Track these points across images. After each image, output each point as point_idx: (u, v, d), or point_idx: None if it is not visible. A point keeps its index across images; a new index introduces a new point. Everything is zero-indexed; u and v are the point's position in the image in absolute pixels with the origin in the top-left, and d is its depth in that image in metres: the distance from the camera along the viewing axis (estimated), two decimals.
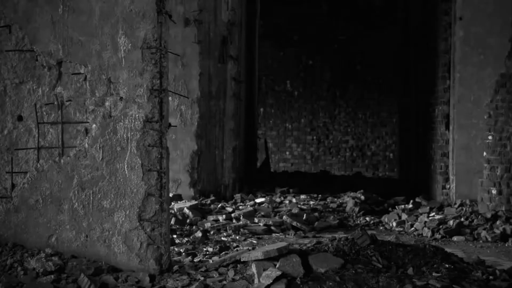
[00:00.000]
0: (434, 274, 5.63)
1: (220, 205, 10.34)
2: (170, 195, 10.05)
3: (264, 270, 5.51)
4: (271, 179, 15.24)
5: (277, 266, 5.55)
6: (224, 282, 5.51)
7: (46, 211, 5.93)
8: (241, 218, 9.29)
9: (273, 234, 8.76)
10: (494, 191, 9.60)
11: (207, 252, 7.17)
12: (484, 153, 9.78)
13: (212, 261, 6.20)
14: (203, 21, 11.07)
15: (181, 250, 7.25)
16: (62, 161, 5.90)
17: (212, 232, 8.55)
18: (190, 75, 11.02)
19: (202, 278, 5.60)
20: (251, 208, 9.99)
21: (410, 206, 10.41)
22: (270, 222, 9.04)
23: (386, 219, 9.74)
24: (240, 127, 13.40)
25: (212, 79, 11.38)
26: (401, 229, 9.27)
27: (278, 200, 11.27)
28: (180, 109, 11.03)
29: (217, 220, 9.27)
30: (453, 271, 5.72)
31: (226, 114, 11.96)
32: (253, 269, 5.57)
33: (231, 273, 5.64)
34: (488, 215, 9.22)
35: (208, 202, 10.54)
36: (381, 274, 5.54)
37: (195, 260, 6.57)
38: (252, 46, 15.08)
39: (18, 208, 5.99)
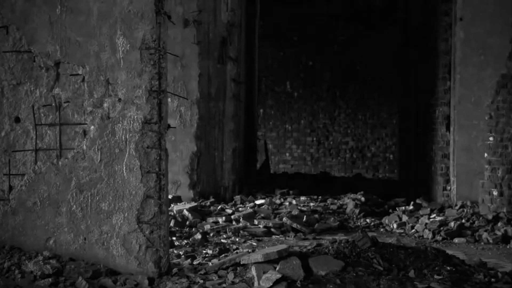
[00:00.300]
0: (435, 276, 5.59)
1: (219, 206, 10.29)
2: (170, 196, 10.02)
3: (264, 273, 5.47)
4: (271, 180, 15.20)
5: (277, 268, 5.51)
6: (224, 285, 5.47)
7: (44, 213, 5.88)
8: (241, 220, 9.24)
9: (273, 236, 8.71)
10: (495, 193, 9.55)
11: (207, 255, 7.12)
12: (485, 154, 9.73)
13: (212, 263, 6.16)
14: (202, 22, 11.02)
15: (180, 252, 7.20)
16: (60, 163, 5.85)
17: (211, 234, 8.50)
18: (190, 76, 10.97)
19: (201, 281, 5.56)
20: (251, 210, 9.94)
21: (411, 207, 10.36)
22: (270, 224, 8.99)
23: (386, 221, 9.70)
24: (239, 128, 13.36)
25: (212, 80, 11.33)
26: (402, 231, 9.22)
27: (278, 201, 11.23)
28: (180, 110, 10.97)
29: (216, 222, 9.21)
30: (455, 274, 5.68)
31: (225, 115, 11.91)
32: (253, 272, 5.53)
33: (230, 276, 5.60)
34: (489, 217, 9.17)
35: (208, 203, 10.49)
36: (382, 276, 5.51)
37: (195, 262, 6.52)
38: (251, 47, 15.03)
39: (16, 210, 5.94)
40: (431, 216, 9.63)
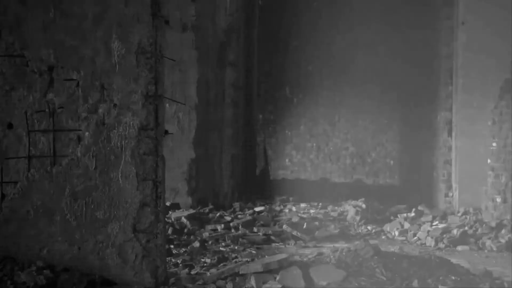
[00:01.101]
0: (440, 286, 5.47)
1: (218, 214, 10.16)
2: (168, 204, 9.90)
3: (264, 283, 5.37)
4: (270, 187, 15.07)
5: (277, 279, 5.39)
6: None
7: (37, 222, 5.74)
8: (240, 227, 9.12)
9: (273, 244, 8.59)
10: (498, 199, 9.42)
11: (205, 264, 6.99)
12: (488, 160, 9.61)
13: (210, 273, 6.03)
14: (201, 27, 10.90)
15: (178, 261, 7.07)
16: (53, 170, 5.71)
17: (210, 242, 8.38)
18: (188, 81, 10.85)
19: None
20: (250, 217, 9.83)
21: (412, 214, 10.24)
22: (270, 232, 8.88)
23: (388, 228, 9.57)
24: (238, 134, 13.24)
25: (210, 85, 11.22)
26: (404, 238, 9.09)
27: (277, 208, 11.11)
28: (178, 116, 10.84)
29: (215, 230, 9.08)
30: (460, 284, 5.55)
31: (224, 121, 11.79)
32: (252, 282, 5.41)
33: (229, 286, 5.48)
34: (493, 224, 9.03)
35: (206, 211, 10.36)
36: (385, 287, 5.38)
37: (192, 272, 6.40)
38: (250, 52, 14.93)
39: (8, 219, 5.79)
40: (433, 223, 9.51)
